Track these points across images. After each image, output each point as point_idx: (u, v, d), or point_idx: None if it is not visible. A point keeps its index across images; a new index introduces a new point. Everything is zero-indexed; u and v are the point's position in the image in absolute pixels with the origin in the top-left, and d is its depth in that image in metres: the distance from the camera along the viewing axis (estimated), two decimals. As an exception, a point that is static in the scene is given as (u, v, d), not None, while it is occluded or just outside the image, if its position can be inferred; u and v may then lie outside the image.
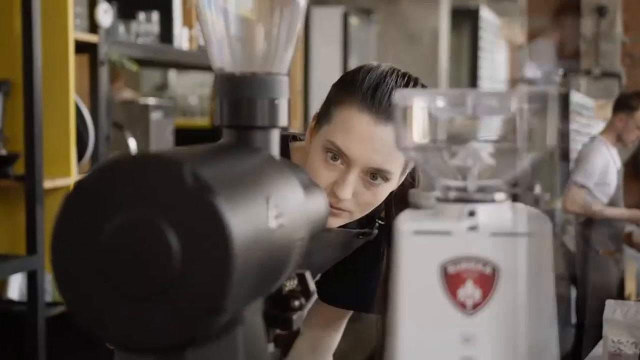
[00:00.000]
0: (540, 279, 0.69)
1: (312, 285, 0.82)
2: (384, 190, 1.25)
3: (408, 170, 1.30)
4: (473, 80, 7.62)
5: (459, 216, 0.70)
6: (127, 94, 4.00)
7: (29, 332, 2.36)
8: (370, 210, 1.28)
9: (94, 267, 0.63)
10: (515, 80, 9.70)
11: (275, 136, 0.84)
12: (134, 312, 0.62)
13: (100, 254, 0.63)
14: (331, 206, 1.22)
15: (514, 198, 0.75)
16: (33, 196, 2.33)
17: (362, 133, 1.20)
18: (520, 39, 9.36)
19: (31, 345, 2.35)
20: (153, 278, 0.61)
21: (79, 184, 0.64)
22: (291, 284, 0.82)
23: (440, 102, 0.72)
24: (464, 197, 0.72)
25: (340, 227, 1.30)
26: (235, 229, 0.62)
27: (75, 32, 2.57)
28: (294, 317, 0.77)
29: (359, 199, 1.24)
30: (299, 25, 0.85)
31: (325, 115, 1.26)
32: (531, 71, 5.64)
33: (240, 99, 0.82)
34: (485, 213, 0.70)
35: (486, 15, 7.57)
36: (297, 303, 0.78)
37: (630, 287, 4.56)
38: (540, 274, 0.69)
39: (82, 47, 2.64)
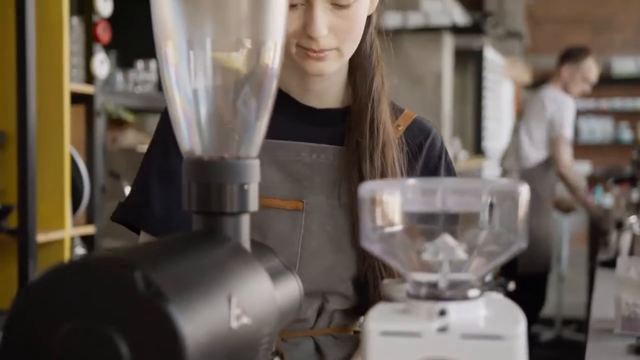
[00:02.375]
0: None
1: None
2: (359, 10, 1.15)
3: None
4: (478, 120, 7.60)
5: (429, 315, 0.67)
6: (131, 135, 3.99)
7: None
8: (358, 40, 1.17)
9: (40, 378, 0.61)
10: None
11: (245, 222, 0.81)
12: None
13: (49, 362, 0.60)
14: (313, 51, 1.14)
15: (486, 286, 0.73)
16: (26, 250, 2.30)
17: None
18: (525, 77, 9.39)
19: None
20: (100, 391, 0.59)
21: (29, 288, 0.62)
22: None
23: (409, 195, 0.69)
24: (434, 294, 0.69)
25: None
26: (189, 336, 0.59)
27: (72, 84, 2.56)
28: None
29: (338, 31, 1.14)
30: (269, 107, 0.83)
31: None
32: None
33: (209, 184, 0.79)
34: (457, 311, 0.67)
35: (490, 55, 7.58)
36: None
37: None
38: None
39: (78, 98, 2.64)
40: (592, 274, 3.81)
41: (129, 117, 2.78)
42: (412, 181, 0.72)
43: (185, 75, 0.80)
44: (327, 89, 1.25)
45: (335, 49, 1.15)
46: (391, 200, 0.69)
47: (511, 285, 0.70)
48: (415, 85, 5.44)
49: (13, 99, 2.39)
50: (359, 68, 1.24)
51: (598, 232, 4.82)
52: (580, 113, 10.11)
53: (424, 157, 1.26)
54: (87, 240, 2.75)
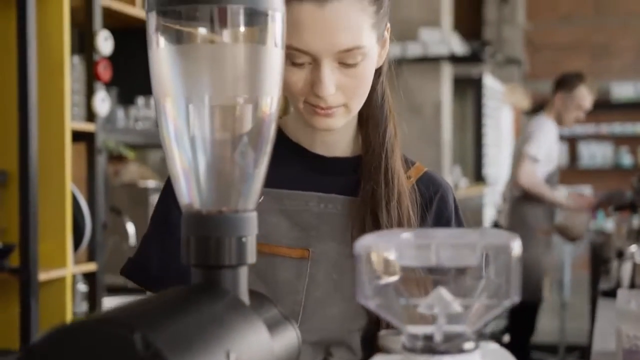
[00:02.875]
0: None
1: None
2: (366, 67, 1.14)
3: (385, 32, 1.20)
4: (478, 147, 7.63)
5: (426, 369, 0.68)
6: (133, 168, 4.01)
7: None
8: (365, 95, 1.17)
9: None
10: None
11: (243, 274, 0.82)
12: None
13: None
14: (321, 108, 1.13)
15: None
16: (28, 290, 2.31)
17: (311, 22, 1.09)
18: (524, 103, 9.44)
19: None
20: None
21: (28, 349, 0.63)
22: None
23: (404, 250, 0.70)
24: (430, 348, 0.70)
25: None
26: (188, 396, 0.60)
27: (73, 122, 2.58)
28: None
29: (345, 89, 1.13)
30: (266, 160, 0.84)
31: None
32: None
33: (208, 237, 0.80)
34: (453, 365, 0.68)
35: (489, 82, 7.62)
36: None
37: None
38: None
39: (79, 136, 2.66)
40: (594, 302, 3.79)
41: (130, 154, 2.80)
42: (406, 235, 0.73)
43: (183, 131, 0.81)
44: (337, 139, 1.25)
45: (343, 105, 1.15)
46: (386, 256, 0.70)
47: (505, 338, 0.71)
48: (414, 114, 5.47)
49: (15, 138, 2.41)
50: (370, 118, 1.24)
51: (600, 259, 4.81)
52: (580, 138, 10.15)
53: (435, 211, 1.26)
54: (88, 277, 2.76)
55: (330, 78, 1.11)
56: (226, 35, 0.79)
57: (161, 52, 0.80)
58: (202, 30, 0.88)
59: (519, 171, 4.23)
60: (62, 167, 2.50)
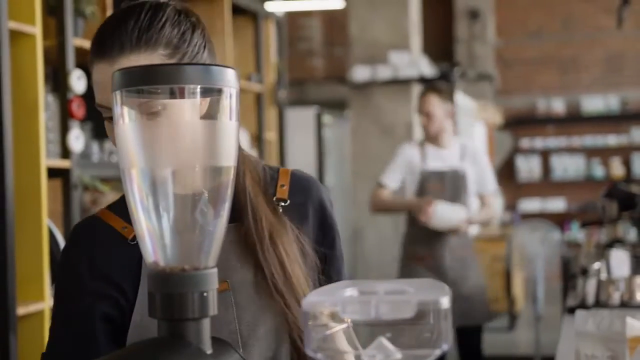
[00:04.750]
0: None
1: None
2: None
3: None
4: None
5: (368, 412, 0.76)
6: (110, 197, 4.06)
7: None
8: None
9: None
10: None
11: (206, 325, 0.90)
12: None
13: None
14: None
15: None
16: (6, 325, 2.37)
17: (105, 79, 1.16)
18: (497, 119, 9.59)
19: None
20: None
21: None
22: None
23: (347, 307, 0.78)
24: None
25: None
26: None
27: (48, 159, 2.65)
28: None
29: None
30: (224, 222, 0.92)
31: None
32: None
33: (172, 293, 0.88)
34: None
35: (461, 100, 7.74)
36: None
37: None
38: None
39: (55, 172, 2.72)
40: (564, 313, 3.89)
41: (105, 188, 2.87)
42: (349, 292, 0.81)
43: (148, 196, 0.89)
44: None
45: None
46: (331, 312, 0.78)
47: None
48: (386, 135, 5.57)
49: (-9, 176, 2.47)
50: None
51: (569, 271, 4.89)
52: (552, 151, 10.32)
53: (316, 215, 1.32)
54: (66, 308, 2.81)
55: None
56: (184, 111, 0.88)
57: (126, 127, 0.88)
58: (163, 107, 0.97)
59: (371, 197, 4.14)
60: (39, 203, 2.56)
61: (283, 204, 1.28)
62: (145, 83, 0.88)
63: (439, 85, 4.18)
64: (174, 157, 0.88)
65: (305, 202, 1.32)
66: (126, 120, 0.89)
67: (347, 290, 0.81)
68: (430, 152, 4.08)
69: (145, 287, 1.20)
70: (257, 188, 1.27)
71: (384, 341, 0.79)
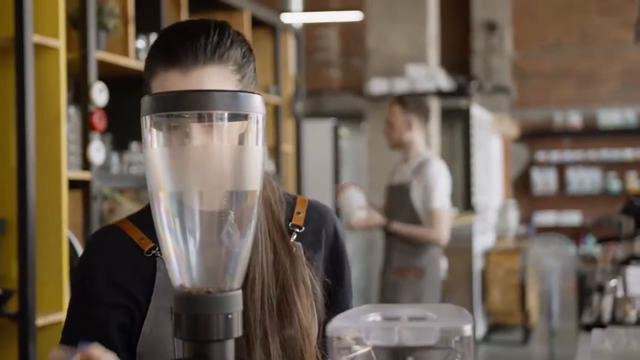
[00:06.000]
0: None
1: None
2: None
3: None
4: (467, 176, 7.73)
5: None
6: (128, 207, 4.09)
7: None
8: None
9: None
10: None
11: (230, 346, 0.91)
12: None
13: None
14: None
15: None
16: (26, 335, 2.39)
17: (175, 89, 1.15)
18: (513, 131, 9.58)
19: None
20: None
21: None
22: None
23: (369, 333, 0.80)
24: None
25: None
26: None
27: (69, 171, 2.68)
28: None
29: None
30: (249, 244, 0.94)
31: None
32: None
33: (197, 315, 0.90)
34: None
35: (477, 113, 7.75)
36: None
37: None
38: None
39: (75, 184, 2.75)
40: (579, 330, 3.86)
41: (123, 200, 2.90)
42: (372, 317, 0.82)
43: (175, 219, 0.91)
44: None
45: None
46: (355, 337, 0.80)
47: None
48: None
49: (13, 187, 2.50)
50: None
51: (585, 287, 4.87)
52: (569, 164, 10.29)
53: (329, 244, 1.34)
54: (84, 318, 2.84)
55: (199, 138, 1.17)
56: (212, 136, 0.90)
57: (155, 151, 0.90)
58: (191, 133, 0.99)
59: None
60: (59, 214, 2.59)
61: (298, 230, 1.30)
62: (174, 109, 0.90)
63: (406, 98, 4.13)
64: (202, 181, 0.90)
65: (319, 231, 1.33)
66: (154, 144, 0.91)
67: (370, 316, 0.83)
68: (398, 166, 4.09)
69: (157, 300, 1.22)
70: (271, 213, 1.28)
71: (407, 366, 0.80)
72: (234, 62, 1.20)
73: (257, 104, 0.91)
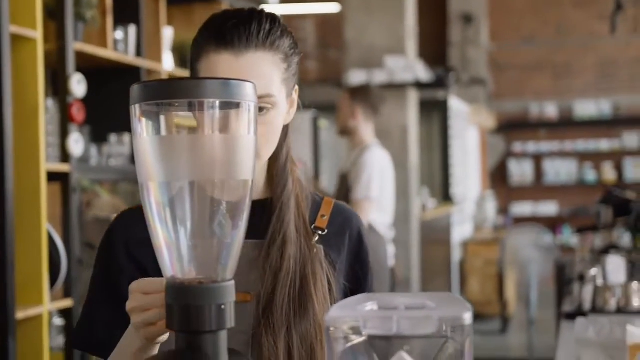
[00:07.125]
0: None
1: None
2: (276, 117, 1.22)
3: (293, 92, 1.28)
4: (445, 167, 7.75)
5: None
6: (106, 199, 4.05)
7: None
8: (275, 144, 1.23)
9: None
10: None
11: (223, 337, 0.90)
12: None
13: None
14: None
15: None
16: (5, 329, 2.36)
17: (228, 70, 1.18)
18: (490, 123, 9.62)
19: None
20: None
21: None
22: None
23: (367, 323, 0.79)
24: (392, 407, 0.78)
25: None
26: None
27: (48, 163, 2.64)
28: None
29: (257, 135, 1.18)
30: (242, 235, 0.93)
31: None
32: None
33: (189, 306, 0.89)
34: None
35: (455, 104, 7.77)
36: None
37: None
38: None
39: (54, 176, 2.72)
40: (559, 319, 3.86)
41: (103, 192, 2.87)
42: (369, 306, 0.81)
43: (166, 210, 0.90)
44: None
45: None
46: (353, 327, 0.79)
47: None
48: (381, 138, 5.56)
49: (-9, 180, 2.47)
50: (275, 175, 1.29)
51: (564, 277, 4.89)
52: (545, 155, 10.35)
53: (353, 249, 1.34)
54: (65, 312, 2.81)
55: None
56: (202, 125, 0.88)
57: (144, 141, 0.89)
58: (181, 122, 0.97)
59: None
60: (38, 207, 2.55)
61: (321, 232, 1.30)
62: (164, 97, 0.88)
63: (355, 88, 4.24)
64: (192, 171, 0.89)
65: (343, 234, 1.34)
66: (144, 134, 0.89)
67: (368, 305, 0.82)
68: (348, 155, 4.17)
69: None
70: (298, 213, 1.28)
71: (404, 355, 0.79)
72: (282, 51, 1.22)
73: (248, 93, 0.90)
